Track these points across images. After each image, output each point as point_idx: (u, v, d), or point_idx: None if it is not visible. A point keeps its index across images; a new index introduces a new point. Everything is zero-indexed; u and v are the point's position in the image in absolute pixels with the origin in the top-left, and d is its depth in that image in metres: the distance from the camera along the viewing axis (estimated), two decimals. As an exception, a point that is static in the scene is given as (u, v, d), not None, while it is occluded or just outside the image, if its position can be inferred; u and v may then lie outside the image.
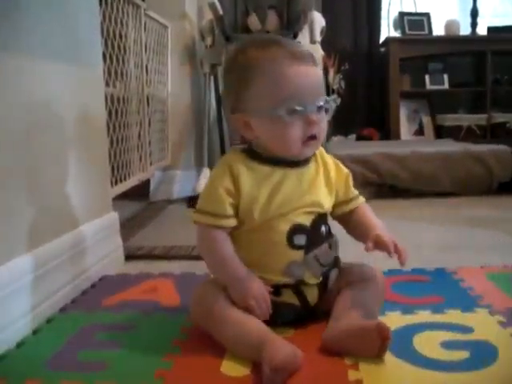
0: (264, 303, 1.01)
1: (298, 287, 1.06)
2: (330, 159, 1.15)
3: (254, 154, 1.07)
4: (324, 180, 1.11)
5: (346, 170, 1.18)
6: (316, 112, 1.02)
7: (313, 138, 1.03)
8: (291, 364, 0.87)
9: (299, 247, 1.04)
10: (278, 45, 1.03)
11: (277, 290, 1.05)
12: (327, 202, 1.10)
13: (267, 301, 1.02)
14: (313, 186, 1.08)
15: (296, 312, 1.08)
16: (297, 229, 1.04)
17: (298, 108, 1.00)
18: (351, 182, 1.18)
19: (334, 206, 1.14)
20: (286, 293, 1.06)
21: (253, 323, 0.98)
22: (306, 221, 1.06)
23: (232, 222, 1.04)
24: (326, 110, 1.05)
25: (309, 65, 1.02)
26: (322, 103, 1.03)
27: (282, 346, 0.89)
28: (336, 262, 1.13)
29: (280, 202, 1.04)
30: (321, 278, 1.08)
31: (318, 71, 1.06)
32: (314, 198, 1.07)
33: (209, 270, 1.10)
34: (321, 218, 1.08)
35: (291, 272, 1.04)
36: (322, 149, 1.14)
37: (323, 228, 1.09)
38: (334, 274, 1.11)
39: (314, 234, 1.06)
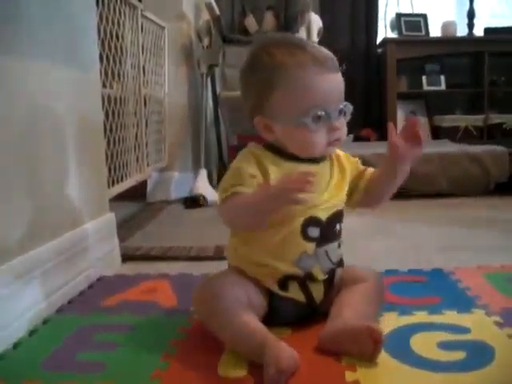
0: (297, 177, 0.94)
1: (305, 282, 1.07)
2: (340, 152, 1.18)
3: (276, 149, 1.07)
4: (340, 173, 1.13)
5: (355, 158, 1.21)
6: (338, 118, 1.05)
7: (336, 140, 1.06)
8: (295, 365, 0.88)
9: (312, 239, 1.06)
10: (304, 50, 1.04)
11: (284, 283, 1.06)
12: (343, 196, 1.12)
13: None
14: (331, 181, 1.10)
15: (300, 309, 1.09)
16: (312, 221, 1.05)
17: (322, 115, 1.02)
18: (361, 165, 1.22)
19: (351, 190, 1.16)
20: (293, 288, 1.07)
21: (255, 325, 0.98)
22: (322, 215, 1.07)
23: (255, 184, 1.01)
24: (345, 113, 1.07)
25: (333, 71, 1.05)
26: (342, 107, 1.05)
27: (285, 348, 0.90)
28: (341, 261, 1.15)
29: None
30: (327, 275, 1.10)
31: (340, 77, 1.07)
32: (332, 193, 1.09)
33: (245, 226, 1.07)
34: (337, 216, 1.10)
35: (302, 263, 1.05)
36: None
37: (337, 226, 1.10)
38: (339, 271, 1.13)
39: (327, 230, 1.08)
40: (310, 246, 1.05)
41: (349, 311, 1.01)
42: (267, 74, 1.03)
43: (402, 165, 1.10)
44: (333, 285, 1.11)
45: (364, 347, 0.92)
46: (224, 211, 1.04)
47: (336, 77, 1.05)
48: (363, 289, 1.08)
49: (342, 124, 1.06)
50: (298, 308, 1.08)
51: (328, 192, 1.08)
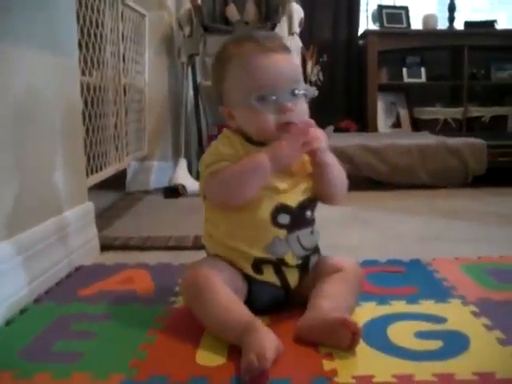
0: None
1: (278, 266, 1.09)
2: None
3: (243, 135, 1.11)
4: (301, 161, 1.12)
5: None
6: (291, 99, 1.05)
7: (290, 124, 1.05)
8: (278, 352, 0.89)
9: (282, 226, 1.07)
10: (250, 39, 1.09)
11: (258, 267, 1.08)
12: (308, 182, 1.12)
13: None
14: (297, 168, 1.10)
15: (275, 294, 1.10)
16: (282, 208, 1.07)
17: (269, 96, 1.04)
18: None
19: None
20: (267, 271, 1.09)
21: (240, 308, 0.99)
22: (292, 202, 1.08)
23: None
24: (306, 96, 1.09)
25: (279, 53, 1.07)
26: (297, 90, 1.06)
27: (268, 334, 0.91)
28: (316, 249, 1.16)
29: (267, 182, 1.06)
30: (301, 261, 1.11)
31: (291, 59, 1.09)
32: (297, 179, 1.10)
33: (237, 194, 1.06)
34: (307, 203, 1.11)
35: (274, 248, 1.07)
36: None
37: (308, 213, 1.12)
38: (314, 258, 1.15)
39: (298, 216, 1.09)
40: (281, 233, 1.08)
41: (327, 302, 1.02)
42: (220, 67, 1.11)
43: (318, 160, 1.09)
44: (307, 271, 1.13)
45: (342, 339, 0.93)
46: (212, 184, 1.07)
47: (283, 57, 1.07)
48: (341, 278, 1.09)
49: (294, 106, 1.05)
50: (274, 292, 1.10)
51: (293, 178, 1.10)
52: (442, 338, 0.98)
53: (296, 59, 1.09)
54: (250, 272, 1.08)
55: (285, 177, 1.08)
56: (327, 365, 0.89)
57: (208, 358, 0.92)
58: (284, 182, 1.08)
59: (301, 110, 1.07)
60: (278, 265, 1.09)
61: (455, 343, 0.96)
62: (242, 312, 0.98)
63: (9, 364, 0.93)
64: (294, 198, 1.09)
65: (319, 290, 1.07)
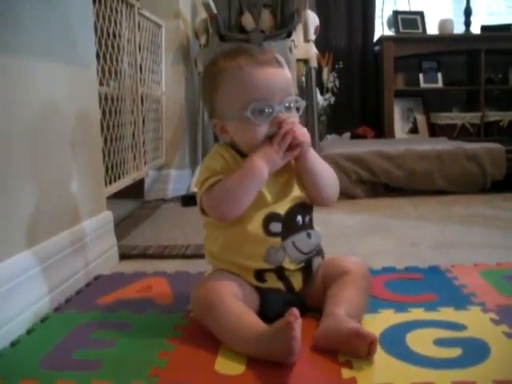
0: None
1: (281, 272, 1.10)
2: None
3: (235, 148, 1.12)
4: (287, 171, 1.13)
5: None
6: (284, 112, 1.07)
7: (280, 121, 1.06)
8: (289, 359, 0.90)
9: (276, 234, 1.09)
10: (244, 53, 1.09)
11: (261, 276, 1.09)
12: (296, 191, 1.13)
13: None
14: (287, 180, 1.13)
15: (283, 298, 1.10)
16: (271, 217, 1.09)
17: (263, 109, 1.05)
18: None
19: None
20: (271, 278, 1.10)
21: (251, 318, 1.00)
22: (281, 210, 1.10)
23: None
24: (298, 110, 1.11)
25: (273, 67, 1.07)
26: (289, 103, 1.08)
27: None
28: (319, 251, 1.17)
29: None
30: (302, 264, 1.12)
31: (284, 73, 1.10)
32: (284, 192, 1.11)
33: (235, 205, 1.07)
34: (297, 208, 1.12)
35: (271, 257, 1.08)
36: None
37: (299, 217, 1.12)
38: (316, 260, 1.15)
39: (288, 222, 1.10)
40: (276, 241, 1.09)
41: (341, 308, 1.02)
42: (212, 79, 1.11)
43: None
44: (311, 272, 1.14)
45: (359, 349, 0.93)
46: (210, 198, 1.08)
47: (276, 71, 1.08)
48: (351, 281, 1.10)
49: (288, 118, 1.07)
50: (281, 297, 1.10)
51: (280, 191, 1.11)
52: (461, 346, 0.97)
53: (288, 73, 1.10)
54: (254, 282, 1.10)
55: (273, 187, 1.10)
56: (346, 373, 0.89)
57: (227, 367, 0.93)
58: (272, 193, 1.10)
59: (295, 122, 1.08)
60: (280, 271, 1.10)
61: (475, 351, 0.96)
62: (254, 322, 0.99)
63: (30, 373, 0.94)
64: (281, 206, 1.10)
65: (332, 296, 1.07)
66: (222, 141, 1.16)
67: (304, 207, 1.13)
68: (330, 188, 1.16)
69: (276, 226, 1.09)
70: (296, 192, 1.13)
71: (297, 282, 1.12)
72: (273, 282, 1.10)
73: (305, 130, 1.09)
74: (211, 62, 1.14)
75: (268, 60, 1.08)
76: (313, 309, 1.12)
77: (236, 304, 1.02)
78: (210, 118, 1.16)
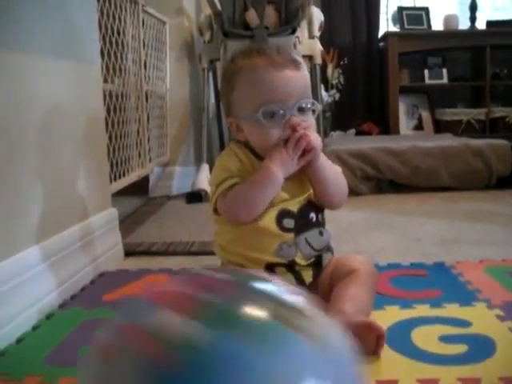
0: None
1: (291, 266, 1.11)
2: None
3: (250, 148, 1.13)
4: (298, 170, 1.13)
5: None
6: (298, 114, 1.06)
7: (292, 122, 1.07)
8: None
9: (289, 230, 1.10)
10: (260, 53, 1.10)
11: (272, 269, 1.10)
12: (308, 191, 1.14)
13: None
14: (299, 178, 1.13)
15: None
16: (285, 213, 1.10)
17: (276, 111, 1.05)
18: None
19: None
20: (281, 271, 1.10)
21: None
22: (293, 207, 1.11)
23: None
24: (313, 112, 1.11)
25: (288, 69, 1.07)
26: (304, 105, 1.07)
27: None
28: (329, 247, 1.18)
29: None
30: (313, 259, 1.13)
31: (300, 74, 1.09)
32: (296, 191, 1.12)
33: (252, 208, 1.09)
34: (309, 206, 1.13)
35: (283, 252, 1.09)
36: None
37: (312, 214, 1.13)
38: (327, 256, 1.16)
39: (301, 219, 1.11)
40: (289, 236, 1.10)
41: (349, 306, 1.02)
42: (229, 79, 1.13)
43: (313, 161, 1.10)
44: (321, 267, 1.14)
45: (366, 343, 0.92)
46: (226, 202, 1.09)
47: (291, 73, 1.07)
48: (358, 279, 1.09)
49: (301, 121, 1.06)
50: None
51: (293, 189, 1.11)
52: (466, 342, 0.97)
53: (305, 75, 1.12)
54: None
55: (287, 185, 1.10)
56: (351, 369, 0.89)
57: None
58: (286, 192, 1.10)
59: (309, 126, 1.08)
60: (291, 265, 1.11)
61: (480, 347, 0.96)
62: None
63: (36, 369, 0.95)
64: (294, 203, 1.11)
65: (339, 294, 1.07)
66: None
67: (315, 205, 1.14)
68: (338, 195, 1.16)
69: (289, 222, 1.10)
70: (309, 190, 1.14)
71: (307, 276, 1.13)
72: (283, 274, 1.10)
73: (317, 135, 1.09)
74: (230, 60, 1.15)
75: (283, 62, 1.07)
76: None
77: None
78: (226, 116, 1.17)
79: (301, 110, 1.07)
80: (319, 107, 1.12)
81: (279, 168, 1.05)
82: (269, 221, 1.09)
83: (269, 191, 1.07)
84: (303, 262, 1.11)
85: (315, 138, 1.06)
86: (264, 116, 1.05)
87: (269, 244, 1.09)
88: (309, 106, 1.08)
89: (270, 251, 1.09)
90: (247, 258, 1.11)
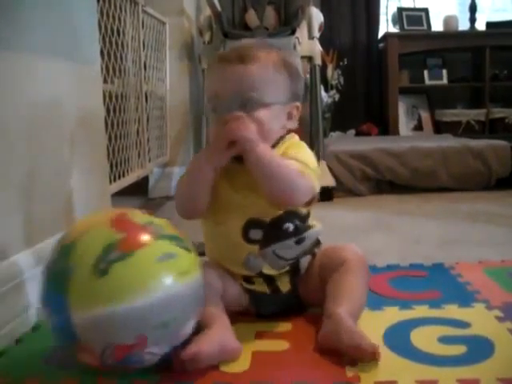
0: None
1: (265, 276, 1.09)
2: (291, 149, 1.08)
3: None
4: None
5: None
6: (237, 111, 1.01)
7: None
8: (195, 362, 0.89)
9: (254, 241, 1.06)
10: (228, 51, 1.10)
11: (249, 279, 1.09)
12: None
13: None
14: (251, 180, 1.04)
15: (270, 299, 1.10)
16: (253, 223, 1.05)
17: (216, 107, 1.04)
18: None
19: None
20: (257, 281, 1.10)
21: (216, 313, 1.00)
22: (266, 216, 1.05)
23: None
24: (250, 105, 1.02)
25: (231, 64, 1.03)
26: (243, 101, 1.01)
27: (226, 336, 0.95)
28: (309, 250, 1.12)
29: (232, 196, 1.06)
30: (287, 268, 1.10)
31: (245, 69, 1.02)
32: (258, 194, 1.03)
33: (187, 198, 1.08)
34: (286, 216, 1.06)
35: (250, 264, 1.07)
36: (292, 141, 1.11)
37: (288, 225, 1.06)
38: (304, 261, 1.13)
39: (272, 230, 1.06)
40: (254, 248, 1.06)
41: (341, 307, 0.99)
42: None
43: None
44: (299, 272, 1.12)
45: (362, 356, 0.91)
46: (175, 194, 1.10)
47: (233, 68, 1.02)
48: (349, 272, 1.06)
49: (238, 117, 1.00)
50: (270, 298, 1.10)
51: (252, 191, 1.03)
52: (466, 343, 0.97)
53: (257, 69, 1.03)
54: (244, 284, 1.10)
55: (246, 190, 1.04)
56: (350, 370, 0.89)
57: (231, 365, 0.93)
58: (247, 197, 1.04)
59: (241, 118, 1.00)
60: (264, 275, 1.09)
61: (479, 348, 0.96)
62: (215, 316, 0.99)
63: (35, 370, 0.95)
64: (266, 212, 1.05)
65: (331, 292, 1.04)
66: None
67: (295, 214, 1.07)
68: (281, 195, 1.01)
69: (256, 233, 1.05)
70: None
71: (284, 284, 1.11)
72: (259, 285, 1.10)
73: (248, 125, 0.99)
74: None
75: (231, 57, 1.04)
76: (313, 306, 1.12)
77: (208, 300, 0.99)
78: None
79: (242, 105, 1.01)
80: (260, 100, 1.02)
81: (204, 160, 1.02)
82: (235, 231, 1.06)
83: (195, 183, 1.03)
84: (274, 272, 1.09)
85: (241, 129, 0.98)
86: (212, 112, 1.05)
87: (237, 256, 1.07)
88: (250, 101, 1.01)
89: (238, 263, 1.08)
90: (224, 267, 1.10)
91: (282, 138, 1.09)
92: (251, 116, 1.01)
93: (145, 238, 0.88)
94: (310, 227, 1.10)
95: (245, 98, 1.02)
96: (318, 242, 1.16)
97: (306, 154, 1.08)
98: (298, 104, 1.11)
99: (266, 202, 1.02)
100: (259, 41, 1.15)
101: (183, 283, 0.86)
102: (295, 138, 1.12)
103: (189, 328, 0.90)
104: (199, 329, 0.94)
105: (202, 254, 1.72)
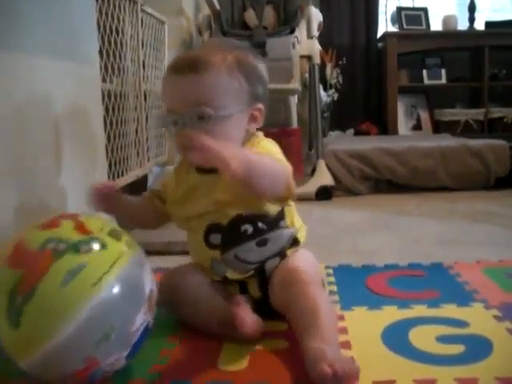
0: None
1: (236, 281, 1.09)
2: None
3: None
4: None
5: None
6: (193, 122, 0.98)
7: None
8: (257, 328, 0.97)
9: (214, 246, 1.06)
10: (177, 57, 1.07)
11: (224, 283, 1.10)
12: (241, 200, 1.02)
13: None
14: (214, 194, 1.03)
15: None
16: (212, 228, 1.06)
17: (176, 121, 1.00)
18: None
19: None
20: (231, 287, 1.10)
21: (221, 300, 1.03)
22: (224, 220, 1.04)
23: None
24: (207, 118, 0.98)
25: (184, 75, 0.99)
26: (197, 114, 0.98)
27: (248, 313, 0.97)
28: (279, 252, 1.08)
29: (192, 204, 1.07)
30: (252, 271, 1.07)
31: (198, 79, 0.98)
32: (218, 205, 1.03)
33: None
34: (243, 217, 1.03)
35: (214, 268, 1.08)
36: (261, 144, 1.07)
37: (246, 227, 1.04)
38: (271, 263, 1.07)
39: (231, 233, 1.04)
40: (216, 253, 1.06)
41: (314, 341, 0.87)
42: None
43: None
44: (265, 276, 1.07)
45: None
46: None
47: (186, 80, 0.99)
48: (307, 293, 0.97)
49: (193, 130, 0.97)
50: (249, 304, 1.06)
51: (212, 202, 1.03)
52: (464, 343, 0.97)
53: (210, 78, 0.98)
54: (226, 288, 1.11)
55: (204, 197, 1.04)
56: (348, 369, 0.89)
57: (230, 363, 0.93)
58: (206, 205, 1.04)
59: (214, 136, 0.92)
60: (233, 280, 1.09)
61: (478, 348, 0.96)
62: (222, 303, 1.02)
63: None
64: (224, 215, 1.03)
65: (296, 324, 0.95)
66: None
67: (259, 215, 1.04)
68: (266, 193, 0.98)
69: (216, 238, 1.05)
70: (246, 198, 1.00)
71: (253, 290, 1.09)
72: (234, 291, 1.09)
73: (212, 147, 0.86)
74: None
75: (181, 66, 1.00)
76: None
77: (204, 291, 1.04)
78: None
79: (200, 117, 0.98)
80: (213, 113, 0.98)
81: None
82: (199, 236, 1.07)
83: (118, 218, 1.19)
84: (238, 277, 1.07)
85: (211, 152, 0.85)
86: (172, 125, 1.02)
87: (204, 261, 1.09)
88: (203, 114, 0.98)
89: (206, 267, 1.09)
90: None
91: (248, 138, 1.06)
92: (210, 131, 0.96)
93: (42, 265, 0.79)
94: (277, 228, 1.06)
95: (200, 113, 0.98)
96: (292, 244, 1.10)
97: (272, 150, 1.05)
98: (260, 106, 1.06)
99: (223, 206, 1.02)
100: (217, 40, 1.12)
101: (103, 289, 0.80)
102: (260, 137, 1.08)
103: (137, 321, 0.85)
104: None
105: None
